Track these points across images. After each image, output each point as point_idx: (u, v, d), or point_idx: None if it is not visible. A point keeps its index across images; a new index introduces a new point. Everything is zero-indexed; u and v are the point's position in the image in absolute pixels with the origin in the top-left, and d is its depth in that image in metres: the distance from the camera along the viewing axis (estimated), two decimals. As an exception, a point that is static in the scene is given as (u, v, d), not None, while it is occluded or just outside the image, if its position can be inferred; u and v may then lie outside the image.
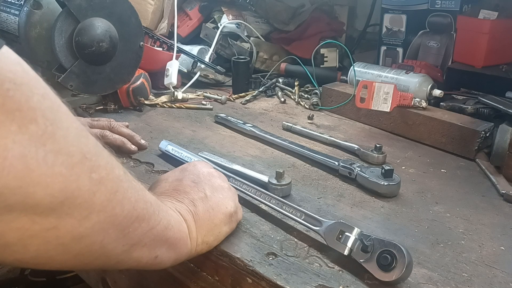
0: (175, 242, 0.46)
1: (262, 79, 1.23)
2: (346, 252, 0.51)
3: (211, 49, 1.28)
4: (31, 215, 0.30)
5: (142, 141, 0.82)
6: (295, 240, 0.56)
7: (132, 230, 0.39)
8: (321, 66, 1.25)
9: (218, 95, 1.12)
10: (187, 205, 0.51)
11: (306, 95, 1.16)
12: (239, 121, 0.94)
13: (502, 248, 0.57)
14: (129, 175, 0.39)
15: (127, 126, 0.87)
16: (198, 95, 1.13)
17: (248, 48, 1.29)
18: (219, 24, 1.34)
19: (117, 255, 0.39)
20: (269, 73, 1.27)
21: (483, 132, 0.81)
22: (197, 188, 0.54)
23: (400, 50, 1.22)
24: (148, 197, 0.42)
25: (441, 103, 0.95)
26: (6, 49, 0.29)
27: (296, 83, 1.19)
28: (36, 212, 0.30)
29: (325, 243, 0.53)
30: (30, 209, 0.30)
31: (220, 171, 0.62)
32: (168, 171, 0.73)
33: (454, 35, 1.11)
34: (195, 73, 1.21)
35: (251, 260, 0.52)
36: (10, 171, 0.28)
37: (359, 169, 0.71)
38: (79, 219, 0.33)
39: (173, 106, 1.05)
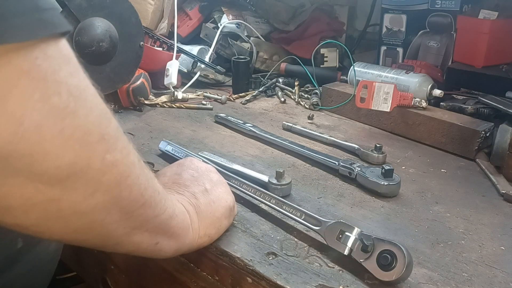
0: (177, 232, 0.47)
1: (262, 79, 1.23)
2: (346, 252, 0.51)
3: (211, 49, 1.28)
4: (36, 183, 0.31)
5: None
6: (295, 239, 0.56)
7: (136, 215, 0.39)
8: (321, 66, 1.25)
9: (218, 95, 1.12)
10: (188, 197, 0.52)
11: (306, 95, 1.16)
12: (239, 121, 0.94)
13: (502, 248, 0.57)
14: (142, 163, 0.39)
15: None
16: (198, 95, 1.13)
17: (248, 48, 1.29)
18: (219, 24, 1.34)
19: (117, 236, 0.40)
20: (269, 73, 1.27)
21: (483, 132, 0.81)
22: (197, 182, 0.54)
23: (400, 50, 1.22)
24: (157, 186, 0.42)
25: (441, 103, 0.95)
26: None
27: (296, 83, 1.19)
28: (42, 181, 0.31)
29: (325, 242, 0.53)
30: (36, 176, 0.30)
31: (220, 170, 0.62)
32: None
33: (454, 35, 1.11)
34: (195, 73, 1.21)
35: (251, 259, 0.52)
36: (23, 137, 0.28)
37: (359, 169, 0.71)
38: (84, 196, 0.33)
39: (173, 106, 1.05)
